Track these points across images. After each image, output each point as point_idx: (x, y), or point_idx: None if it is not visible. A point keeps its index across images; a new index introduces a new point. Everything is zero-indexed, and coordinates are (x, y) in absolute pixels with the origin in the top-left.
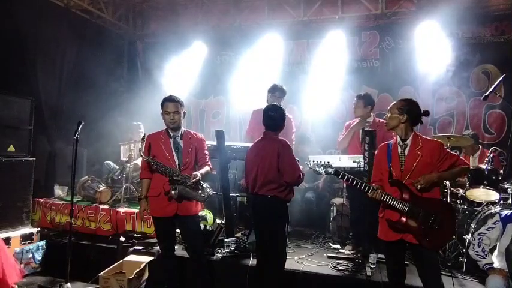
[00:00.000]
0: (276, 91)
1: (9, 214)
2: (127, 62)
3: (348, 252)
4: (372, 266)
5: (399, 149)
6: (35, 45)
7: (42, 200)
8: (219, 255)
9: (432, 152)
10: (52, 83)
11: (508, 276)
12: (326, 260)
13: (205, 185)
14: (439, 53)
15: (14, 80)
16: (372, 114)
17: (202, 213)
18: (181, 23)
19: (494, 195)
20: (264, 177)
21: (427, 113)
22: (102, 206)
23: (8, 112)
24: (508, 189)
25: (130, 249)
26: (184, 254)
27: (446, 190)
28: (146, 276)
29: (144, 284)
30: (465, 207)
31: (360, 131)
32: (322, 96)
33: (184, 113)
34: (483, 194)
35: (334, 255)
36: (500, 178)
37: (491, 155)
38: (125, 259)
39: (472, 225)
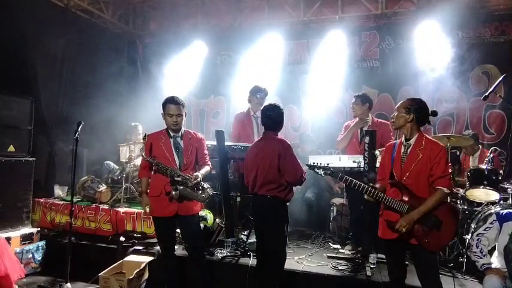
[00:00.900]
0: (258, 92)
1: (9, 214)
2: (127, 62)
3: (348, 252)
4: (372, 266)
5: (402, 149)
6: (35, 45)
7: (42, 200)
8: (219, 255)
9: (431, 153)
10: (52, 83)
11: (506, 276)
12: (326, 260)
13: (205, 185)
14: (439, 53)
15: (14, 80)
16: (370, 114)
17: (202, 213)
18: (181, 23)
19: (494, 195)
20: (264, 177)
21: (435, 113)
22: (102, 206)
23: (8, 112)
24: (508, 189)
25: (130, 249)
26: (184, 254)
27: None
28: (146, 276)
29: (144, 284)
30: (465, 207)
31: (359, 130)
32: (322, 96)
33: (185, 113)
34: (483, 194)
35: (334, 255)
36: (500, 178)
37: (491, 155)
38: (125, 259)
39: (472, 226)
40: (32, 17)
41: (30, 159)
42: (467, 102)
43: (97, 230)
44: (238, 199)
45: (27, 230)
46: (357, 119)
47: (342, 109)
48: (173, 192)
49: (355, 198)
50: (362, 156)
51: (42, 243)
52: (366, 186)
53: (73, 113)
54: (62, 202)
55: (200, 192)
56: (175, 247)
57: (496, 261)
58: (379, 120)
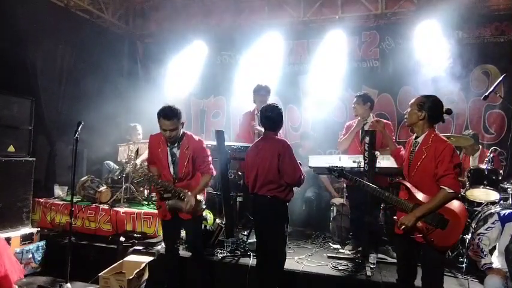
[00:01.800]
0: (261, 90)
1: (9, 214)
2: (127, 62)
3: (348, 252)
4: (372, 266)
5: (412, 147)
6: (35, 45)
7: (42, 200)
8: (219, 255)
9: (435, 152)
10: (52, 83)
11: (507, 276)
12: (326, 260)
13: (200, 197)
14: (439, 53)
15: (14, 80)
16: (371, 114)
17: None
18: (182, 23)
19: (494, 195)
20: (264, 178)
21: (449, 112)
22: (102, 206)
23: (8, 112)
24: (508, 189)
25: (130, 249)
26: (185, 254)
27: None
28: (146, 276)
29: (144, 284)
30: (465, 207)
31: (360, 130)
32: (322, 96)
33: (182, 123)
34: (483, 194)
35: (334, 255)
36: (500, 178)
37: (491, 155)
38: (125, 259)
39: (472, 225)
40: (32, 17)
41: (30, 159)
42: (467, 102)
43: (97, 230)
44: (239, 199)
45: (27, 230)
46: (358, 118)
47: (342, 109)
48: (166, 206)
49: (355, 198)
50: (362, 156)
51: (42, 243)
52: (381, 191)
53: (73, 113)
54: (62, 202)
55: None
56: (177, 248)
57: (496, 261)
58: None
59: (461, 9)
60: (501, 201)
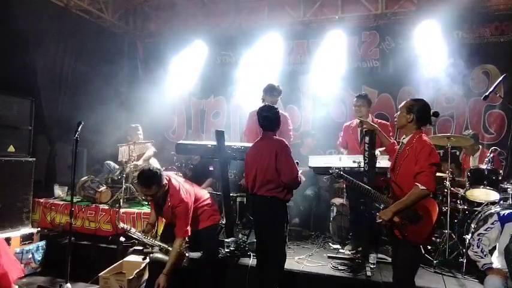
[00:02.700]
0: (272, 91)
1: (9, 214)
2: (127, 62)
3: (348, 252)
4: (372, 266)
5: (399, 148)
6: (35, 45)
7: (42, 200)
8: (219, 255)
9: (416, 151)
10: (52, 83)
11: (507, 276)
12: (326, 260)
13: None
14: (439, 53)
15: (14, 80)
16: (370, 114)
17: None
18: (182, 23)
19: (494, 195)
20: (262, 178)
21: (436, 114)
22: (102, 206)
23: (8, 112)
24: (508, 189)
25: (130, 249)
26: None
27: (446, 190)
28: (146, 276)
29: (144, 284)
30: (465, 207)
31: (359, 131)
32: (322, 96)
33: (163, 185)
34: (483, 194)
35: (334, 255)
36: (500, 178)
37: (491, 155)
38: (125, 259)
39: (472, 225)
40: (32, 17)
41: (30, 159)
42: (467, 102)
43: (97, 230)
44: (239, 199)
45: (27, 230)
46: (357, 120)
47: (342, 109)
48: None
49: (355, 198)
50: (362, 156)
51: (42, 243)
52: (373, 191)
53: (73, 113)
54: (62, 202)
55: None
56: None
57: (496, 261)
58: (379, 120)
59: (461, 9)
60: (501, 202)
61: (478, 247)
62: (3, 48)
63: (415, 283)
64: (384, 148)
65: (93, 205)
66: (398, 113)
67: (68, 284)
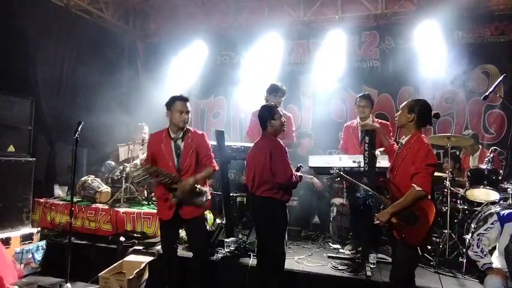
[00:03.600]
0: (275, 91)
1: (9, 214)
2: (127, 62)
3: (348, 252)
4: (372, 266)
5: (398, 148)
6: (35, 45)
7: (42, 200)
8: (219, 255)
9: (413, 152)
10: (52, 83)
11: (507, 276)
12: (326, 260)
13: (204, 188)
14: (439, 53)
15: (14, 80)
16: (370, 114)
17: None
18: (182, 23)
19: (494, 195)
20: (259, 178)
21: (437, 116)
22: (102, 206)
23: (8, 112)
24: (508, 189)
25: (130, 249)
26: (185, 254)
27: (446, 190)
28: (146, 276)
29: (144, 284)
30: (465, 207)
31: (359, 131)
32: (322, 96)
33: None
34: (483, 194)
35: (334, 255)
36: (500, 178)
37: (491, 155)
38: (125, 259)
39: (472, 225)
40: (32, 17)
41: (30, 159)
42: (467, 102)
43: (97, 230)
44: (239, 199)
45: (27, 230)
46: (358, 120)
47: (342, 109)
48: (173, 200)
49: (355, 198)
50: (362, 156)
51: (42, 243)
52: (373, 193)
53: (73, 113)
54: (62, 202)
55: (198, 196)
56: (176, 247)
57: (496, 261)
58: (379, 120)
59: (461, 9)
60: (501, 201)
61: (478, 247)
62: (3, 48)
63: (415, 283)
64: (384, 148)
65: (93, 205)
66: (399, 112)
67: (68, 284)
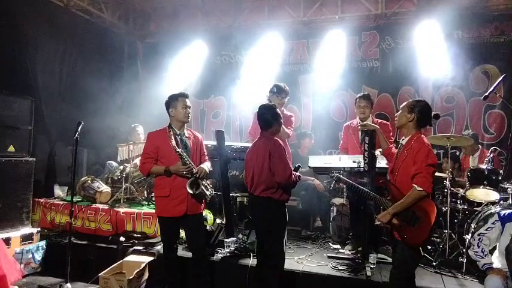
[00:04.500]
0: (282, 93)
1: (9, 214)
2: (127, 62)
3: (348, 252)
4: (372, 266)
5: (398, 149)
6: (35, 45)
7: (42, 200)
8: (219, 255)
9: (413, 153)
10: (52, 83)
11: (507, 276)
12: (326, 260)
13: (207, 182)
14: (438, 53)
15: (14, 80)
16: (370, 114)
17: (203, 213)
18: (181, 23)
19: (494, 195)
20: (258, 178)
21: (437, 117)
22: (102, 206)
23: (8, 112)
24: (508, 189)
25: (130, 249)
26: (185, 254)
27: (446, 190)
28: (146, 276)
29: (144, 284)
30: (465, 207)
31: (360, 131)
32: (322, 96)
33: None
34: (483, 194)
35: (334, 255)
36: (500, 178)
37: (491, 155)
38: (125, 259)
39: (472, 225)
40: (32, 17)
41: (30, 159)
42: (467, 102)
43: (97, 230)
44: (239, 199)
45: (27, 230)
46: (357, 120)
47: (342, 109)
48: (196, 192)
49: (355, 198)
50: (362, 156)
51: (42, 243)
52: (373, 195)
53: (73, 113)
54: (62, 202)
55: (207, 191)
56: (177, 247)
57: (496, 261)
58: (379, 120)
59: (461, 9)
60: (501, 201)
61: (479, 247)
62: (3, 48)
63: (415, 283)
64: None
65: (93, 205)
66: (399, 112)
67: (68, 284)
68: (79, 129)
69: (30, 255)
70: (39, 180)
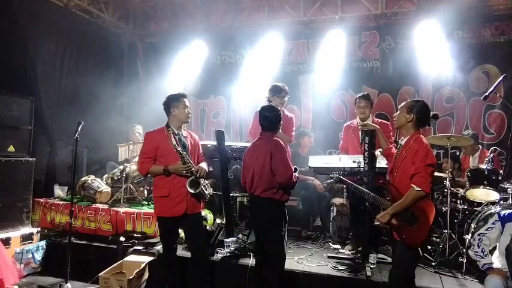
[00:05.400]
0: (278, 91)
1: (9, 214)
2: (127, 62)
3: (348, 252)
4: (372, 266)
5: (397, 149)
6: (35, 45)
7: (42, 200)
8: (219, 255)
9: (411, 153)
10: (52, 82)
11: (507, 276)
12: (326, 260)
13: (206, 182)
14: (438, 53)
15: (14, 80)
16: (370, 114)
17: (202, 213)
18: (182, 23)
19: (494, 195)
20: (258, 178)
21: (435, 117)
22: (102, 206)
23: (8, 112)
24: (508, 189)
25: (130, 249)
26: (185, 254)
27: (446, 190)
28: (146, 276)
29: (144, 284)
30: (465, 207)
31: (360, 131)
32: (322, 96)
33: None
34: (483, 194)
35: (334, 255)
36: (500, 178)
37: (491, 155)
38: (125, 259)
39: (472, 225)
40: (32, 17)
41: (30, 159)
42: (467, 102)
43: (97, 230)
44: (239, 199)
45: (27, 230)
46: (358, 120)
47: (342, 109)
48: (197, 191)
49: (355, 198)
50: (362, 156)
51: (42, 243)
52: (372, 195)
53: (73, 113)
54: (62, 202)
55: (206, 191)
56: (176, 247)
57: (496, 261)
58: (379, 120)
59: (461, 9)
60: (501, 201)
61: (479, 247)
62: (3, 48)
63: (415, 283)
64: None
65: (93, 205)
66: (398, 112)
67: (68, 284)
68: (79, 129)
69: (30, 255)
70: (39, 180)
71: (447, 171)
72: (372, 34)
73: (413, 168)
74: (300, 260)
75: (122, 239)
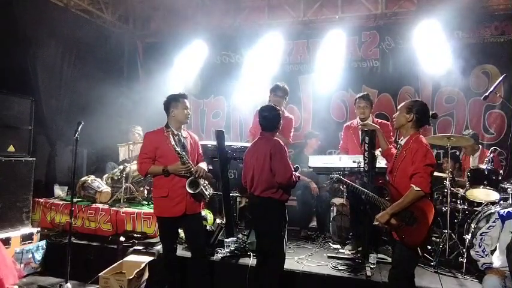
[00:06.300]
0: (277, 91)
1: (9, 214)
2: (127, 62)
3: (348, 252)
4: (372, 266)
5: (397, 149)
6: (35, 45)
7: (42, 200)
8: (219, 255)
9: (411, 153)
10: (52, 83)
11: (506, 276)
12: (326, 260)
13: (206, 183)
14: (438, 53)
15: (14, 80)
16: (370, 114)
17: (202, 213)
18: (182, 22)
19: (494, 195)
20: (258, 178)
21: (435, 116)
22: (102, 206)
23: (8, 112)
24: (508, 189)
25: (130, 249)
26: (185, 254)
27: (446, 190)
28: (146, 276)
29: (144, 284)
30: (465, 207)
31: (360, 131)
32: (322, 96)
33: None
34: (483, 194)
35: (334, 255)
36: (500, 178)
37: (491, 155)
38: (125, 259)
39: (472, 225)
40: (32, 17)
41: (30, 159)
42: (467, 102)
43: (97, 230)
44: (239, 199)
45: (27, 230)
46: (358, 120)
47: (342, 109)
48: (196, 191)
49: (355, 198)
50: (362, 156)
51: (42, 243)
52: (372, 195)
53: (73, 113)
54: (62, 202)
55: (206, 191)
56: (176, 247)
57: (496, 260)
58: (379, 120)
59: (461, 9)
60: (501, 201)
61: (480, 246)
62: (3, 48)
63: (415, 283)
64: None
65: (93, 205)
66: (397, 113)
67: (68, 284)
68: (79, 129)
69: (30, 255)
70: (39, 180)
71: (447, 171)
72: (372, 34)
73: (412, 168)
74: (300, 260)
75: (122, 239)
